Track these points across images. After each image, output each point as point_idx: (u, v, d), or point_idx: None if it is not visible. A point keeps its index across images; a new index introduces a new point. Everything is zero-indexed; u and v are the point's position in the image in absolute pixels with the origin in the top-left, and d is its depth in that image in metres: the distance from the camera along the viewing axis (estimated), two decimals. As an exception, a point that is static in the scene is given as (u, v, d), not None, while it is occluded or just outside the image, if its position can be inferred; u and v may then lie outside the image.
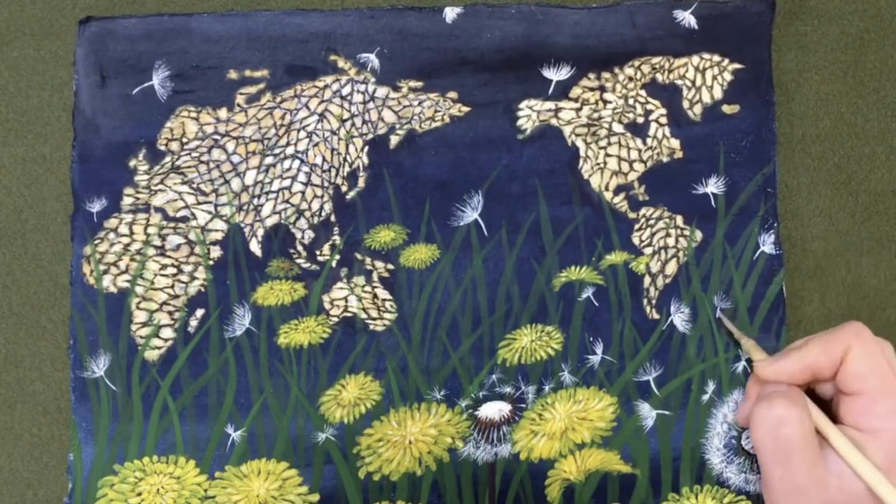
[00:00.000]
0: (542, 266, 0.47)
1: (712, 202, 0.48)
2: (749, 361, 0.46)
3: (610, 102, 0.48)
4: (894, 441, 0.38)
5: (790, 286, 0.48)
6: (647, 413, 0.46)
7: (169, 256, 0.47)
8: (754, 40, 0.48)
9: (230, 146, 0.48)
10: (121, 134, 0.48)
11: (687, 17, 0.48)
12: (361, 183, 0.48)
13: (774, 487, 0.39)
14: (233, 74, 0.48)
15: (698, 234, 0.47)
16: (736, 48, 0.48)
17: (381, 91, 0.48)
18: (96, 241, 0.47)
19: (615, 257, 0.47)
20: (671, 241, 0.47)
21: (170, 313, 0.47)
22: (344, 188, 0.48)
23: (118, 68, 0.48)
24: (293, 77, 0.48)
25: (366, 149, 0.48)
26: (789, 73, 0.49)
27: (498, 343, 0.47)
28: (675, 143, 0.48)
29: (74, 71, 0.48)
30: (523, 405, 0.46)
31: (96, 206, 0.47)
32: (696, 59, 0.48)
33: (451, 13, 0.48)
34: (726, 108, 0.48)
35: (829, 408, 0.42)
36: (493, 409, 0.46)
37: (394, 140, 0.48)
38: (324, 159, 0.48)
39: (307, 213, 0.47)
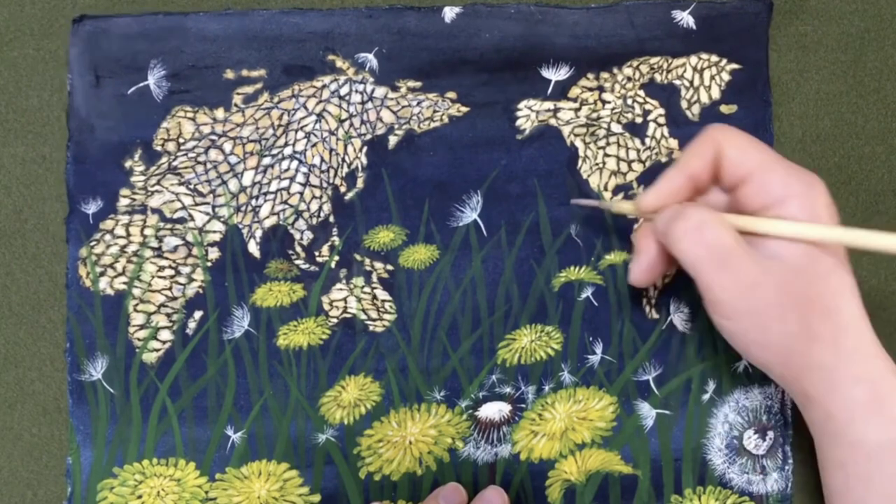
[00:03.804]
0: (541, 266, 0.47)
1: (711, 202, 0.47)
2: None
3: (608, 102, 0.48)
4: (804, 196, 0.38)
5: (789, 286, 0.48)
6: (647, 412, 0.46)
7: (166, 258, 0.47)
8: (752, 41, 0.48)
9: (227, 147, 0.47)
10: (116, 134, 0.47)
11: (685, 18, 0.48)
12: (360, 183, 0.47)
13: (725, 295, 0.38)
14: (230, 74, 0.48)
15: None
16: (734, 48, 0.48)
17: (380, 91, 0.48)
18: (92, 243, 0.47)
19: (614, 257, 0.47)
20: (670, 241, 0.47)
21: (168, 315, 0.46)
22: (343, 189, 0.47)
23: (113, 68, 0.47)
24: (291, 77, 0.48)
25: (364, 149, 0.47)
26: (789, 73, 0.49)
27: (498, 343, 0.47)
28: (674, 142, 0.48)
29: (69, 70, 0.47)
30: (523, 405, 0.46)
31: (92, 208, 0.47)
32: (694, 60, 0.48)
33: (449, 13, 0.48)
34: (724, 109, 0.48)
35: None
36: (493, 410, 0.46)
37: (392, 140, 0.47)
38: (322, 160, 0.47)
39: (306, 214, 0.47)
